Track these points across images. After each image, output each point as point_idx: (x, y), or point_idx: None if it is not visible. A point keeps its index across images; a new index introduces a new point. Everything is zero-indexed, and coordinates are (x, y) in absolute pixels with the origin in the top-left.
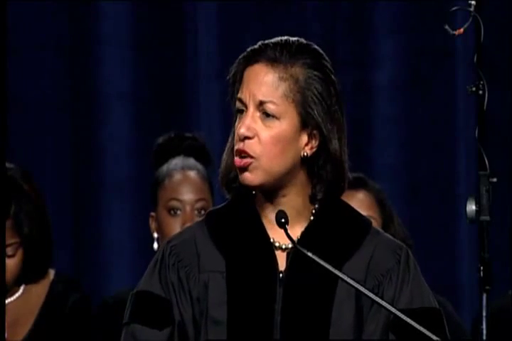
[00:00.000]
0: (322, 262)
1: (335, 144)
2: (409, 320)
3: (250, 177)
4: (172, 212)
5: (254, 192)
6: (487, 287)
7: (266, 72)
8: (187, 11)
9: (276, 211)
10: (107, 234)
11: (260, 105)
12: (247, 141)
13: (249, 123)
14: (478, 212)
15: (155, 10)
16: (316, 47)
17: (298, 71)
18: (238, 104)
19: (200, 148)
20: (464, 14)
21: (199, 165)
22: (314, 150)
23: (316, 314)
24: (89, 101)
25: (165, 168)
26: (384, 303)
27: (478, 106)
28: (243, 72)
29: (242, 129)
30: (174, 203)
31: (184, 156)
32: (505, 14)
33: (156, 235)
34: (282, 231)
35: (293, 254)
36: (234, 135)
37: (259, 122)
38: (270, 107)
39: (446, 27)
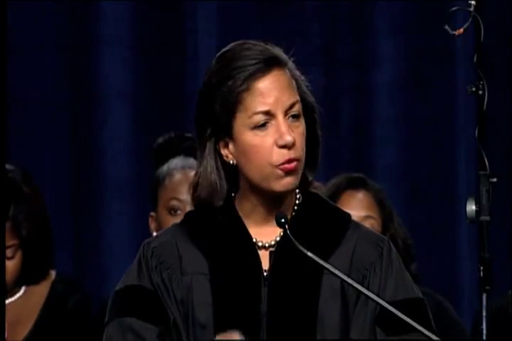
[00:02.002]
0: (315, 257)
1: (319, 128)
2: (397, 312)
3: (294, 181)
4: (172, 211)
5: (233, 194)
6: (487, 287)
7: (280, 74)
8: (187, 10)
9: (258, 209)
10: (107, 235)
11: (289, 109)
12: (292, 149)
13: (288, 129)
14: (478, 212)
15: (155, 10)
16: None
17: (292, 66)
18: (261, 118)
19: None
20: (464, 14)
21: None
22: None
23: (302, 312)
24: (89, 101)
25: (165, 167)
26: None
27: (478, 106)
28: (251, 86)
29: (288, 137)
30: (174, 203)
31: (184, 156)
32: (505, 14)
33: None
34: (263, 229)
35: (276, 253)
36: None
37: (290, 125)
38: (296, 107)
39: (446, 27)
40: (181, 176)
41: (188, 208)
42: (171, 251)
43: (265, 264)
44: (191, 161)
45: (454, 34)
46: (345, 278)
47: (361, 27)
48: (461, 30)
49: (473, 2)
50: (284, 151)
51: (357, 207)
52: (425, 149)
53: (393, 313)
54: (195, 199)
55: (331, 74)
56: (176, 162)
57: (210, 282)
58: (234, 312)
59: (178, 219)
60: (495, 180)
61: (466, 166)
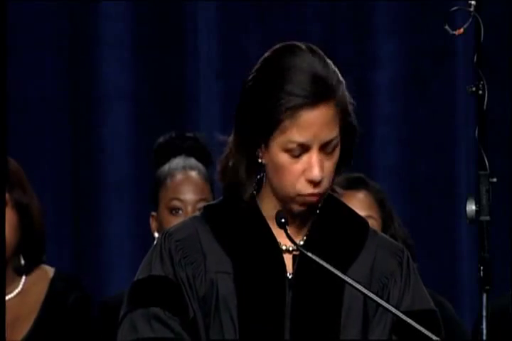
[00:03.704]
0: (330, 267)
1: (358, 132)
2: (415, 325)
3: (314, 209)
4: (173, 211)
5: (254, 192)
6: (487, 287)
7: (326, 110)
8: (187, 10)
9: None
10: (107, 234)
11: (326, 144)
12: (318, 184)
13: (320, 164)
14: (478, 212)
15: (155, 10)
16: (319, 51)
17: (340, 90)
18: (296, 147)
19: (201, 148)
20: (464, 14)
21: (200, 165)
22: None
23: (326, 318)
24: (89, 101)
25: (166, 167)
26: (390, 307)
27: (478, 106)
28: (294, 115)
29: (316, 173)
30: (176, 203)
31: (185, 156)
32: (505, 14)
33: (156, 235)
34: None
35: (300, 257)
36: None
37: (322, 157)
38: (334, 142)
39: (446, 27)
40: (182, 176)
41: (190, 208)
42: (194, 246)
43: (289, 268)
44: (192, 161)
45: (454, 34)
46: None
47: (361, 27)
48: (461, 30)
49: (473, 2)
50: (310, 185)
51: (357, 207)
52: (425, 149)
53: (409, 324)
54: (224, 187)
55: None
56: (177, 162)
57: (235, 282)
58: (259, 314)
59: (179, 219)
60: (495, 180)
61: (466, 166)
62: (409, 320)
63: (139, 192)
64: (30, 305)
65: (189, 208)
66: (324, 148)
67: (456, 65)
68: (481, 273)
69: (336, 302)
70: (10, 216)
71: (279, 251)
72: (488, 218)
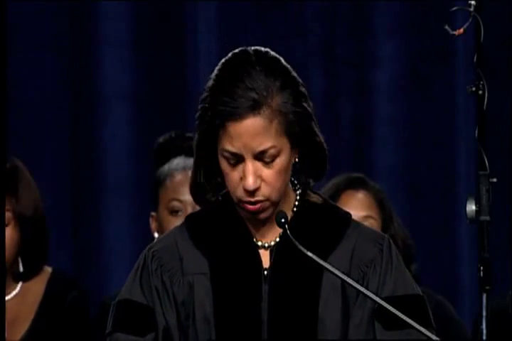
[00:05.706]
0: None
1: (320, 141)
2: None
3: (263, 216)
4: (173, 212)
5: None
6: (487, 287)
7: (253, 122)
8: (187, 10)
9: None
10: (107, 234)
11: (260, 154)
12: (256, 192)
13: (253, 174)
14: (478, 212)
15: (155, 10)
16: (273, 55)
17: (276, 101)
18: (230, 156)
19: None
20: (464, 14)
21: None
22: (298, 153)
23: (303, 310)
24: (89, 101)
25: (166, 167)
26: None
27: (478, 106)
28: (224, 125)
29: (249, 185)
30: (175, 204)
31: (185, 156)
32: (505, 14)
33: (156, 235)
34: (263, 230)
35: (276, 251)
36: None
37: (260, 166)
38: (271, 152)
39: (446, 27)
40: (182, 177)
41: (189, 209)
42: (171, 254)
43: (266, 263)
44: (192, 161)
45: (454, 34)
46: (345, 277)
47: (361, 27)
48: (461, 30)
49: (473, 2)
50: (247, 193)
51: (357, 207)
52: (425, 149)
53: (392, 309)
54: (197, 201)
55: (331, 74)
56: (177, 162)
57: (211, 281)
58: (235, 311)
59: (179, 220)
60: (495, 180)
61: (466, 166)
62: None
63: (139, 192)
64: (28, 305)
65: (189, 209)
66: (260, 158)
67: (456, 65)
68: (481, 273)
69: (314, 294)
70: (10, 233)
71: (253, 247)
72: (488, 218)
